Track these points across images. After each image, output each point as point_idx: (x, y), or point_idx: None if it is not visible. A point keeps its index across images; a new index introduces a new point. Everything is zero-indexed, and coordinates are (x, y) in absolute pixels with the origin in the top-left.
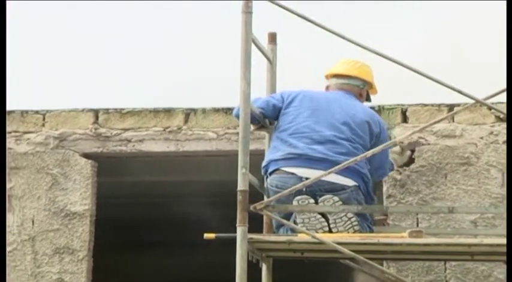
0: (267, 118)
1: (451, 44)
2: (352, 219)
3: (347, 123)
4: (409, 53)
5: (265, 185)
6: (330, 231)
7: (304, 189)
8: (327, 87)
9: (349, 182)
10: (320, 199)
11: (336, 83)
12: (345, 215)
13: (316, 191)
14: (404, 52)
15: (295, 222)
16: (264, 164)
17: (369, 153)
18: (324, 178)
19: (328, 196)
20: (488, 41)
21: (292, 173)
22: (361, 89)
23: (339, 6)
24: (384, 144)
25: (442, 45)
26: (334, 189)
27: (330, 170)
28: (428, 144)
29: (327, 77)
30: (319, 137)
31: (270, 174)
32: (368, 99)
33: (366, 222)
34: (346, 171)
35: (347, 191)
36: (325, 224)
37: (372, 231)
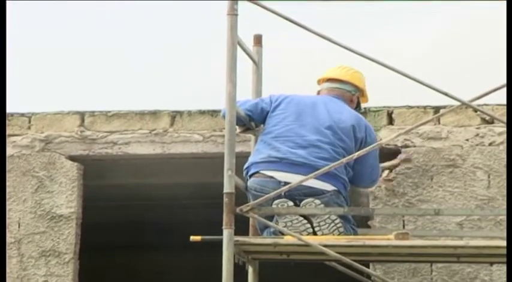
0: (253, 121)
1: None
2: (336, 221)
3: (331, 127)
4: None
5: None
6: (314, 233)
7: (283, 193)
8: (318, 92)
9: (328, 186)
10: (302, 203)
11: (327, 87)
12: (329, 217)
13: (295, 195)
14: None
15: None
16: (246, 165)
17: (348, 158)
18: (303, 183)
19: (309, 199)
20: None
21: (271, 177)
22: (353, 95)
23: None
24: (368, 147)
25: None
26: (314, 193)
27: (309, 176)
28: (414, 146)
29: (319, 82)
30: (303, 141)
31: (250, 176)
32: (358, 106)
33: (349, 224)
34: (325, 176)
35: (326, 195)
36: (309, 226)
37: (356, 233)
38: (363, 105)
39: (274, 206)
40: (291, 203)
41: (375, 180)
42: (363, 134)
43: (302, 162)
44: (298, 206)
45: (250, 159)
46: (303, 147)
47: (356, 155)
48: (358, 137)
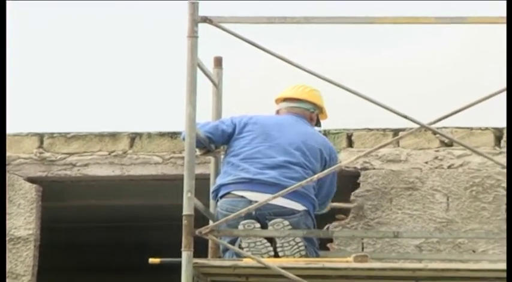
0: (213, 143)
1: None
2: (300, 244)
3: (300, 148)
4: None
5: (216, 209)
6: (276, 255)
7: (253, 213)
8: (277, 112)
9: (298, 206)
10: (270, 223)
11: (286, 107)
12: (293, 240)
13: (265, 214)
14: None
15: (240, 247)
16: (213, 188)
17: (315, 177)
18: (274, 202)
19: (278, 220)
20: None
21: (242, 196)
22: (312, 113)
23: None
24: (331, 168)
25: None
26: (284, 213)
27: (278, 193)
28: (374, 168)
29: (277, 101)
30: (271, 162)
31: (221, 197)
32: (318, 124)
33: (313, 247)
34: (296, 196)
35: (296, 215)
36: (271, 248)
37: (318, 256)
38: (323, 122)
39: (240, 226)
40: (257, 225)
41: (325, 204)
42: (328, 157)
43: (273, 182)
44: (268, 226)
45: (218, 182)
46: (271, 168)
47: (321, 174)
48: (324, 159)
